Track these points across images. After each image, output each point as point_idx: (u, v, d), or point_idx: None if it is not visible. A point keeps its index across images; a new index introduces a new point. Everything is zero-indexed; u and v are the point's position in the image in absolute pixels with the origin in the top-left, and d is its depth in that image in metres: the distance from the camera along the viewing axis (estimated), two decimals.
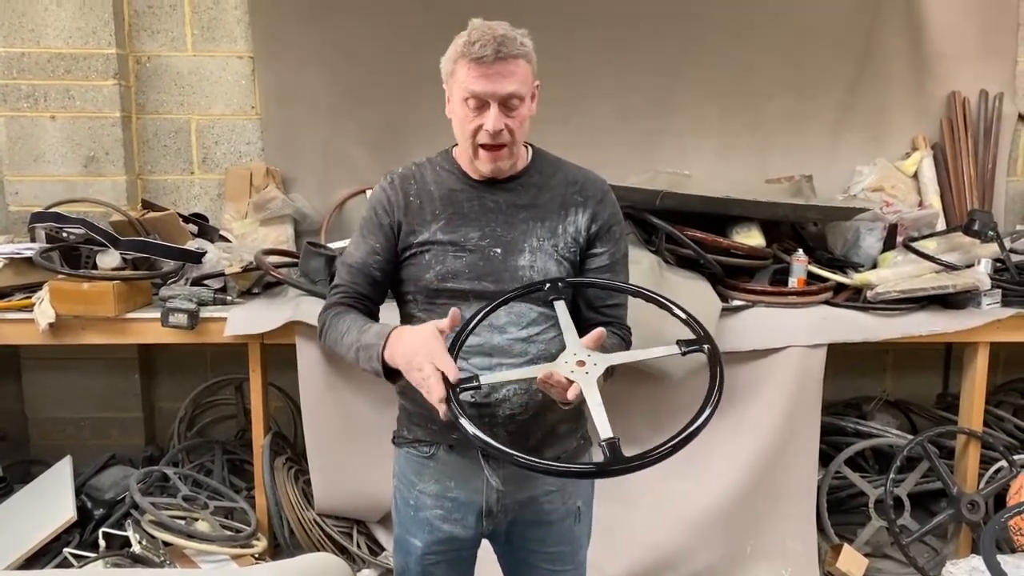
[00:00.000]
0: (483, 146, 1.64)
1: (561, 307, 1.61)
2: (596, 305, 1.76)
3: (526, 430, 1.69)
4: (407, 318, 1.78)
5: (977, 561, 2.26)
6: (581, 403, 1.46)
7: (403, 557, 1.85)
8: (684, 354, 1.51)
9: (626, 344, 1.77)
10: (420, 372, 1.47)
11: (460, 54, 1.60)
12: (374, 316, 1.78)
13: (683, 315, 1.59)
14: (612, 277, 1.75)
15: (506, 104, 1.60)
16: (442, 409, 1.43)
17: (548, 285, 1.64)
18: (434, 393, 1.44)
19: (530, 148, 1.78)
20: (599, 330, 1.51)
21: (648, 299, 1.64)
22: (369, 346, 1.59)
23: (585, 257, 1.74)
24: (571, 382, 1.43)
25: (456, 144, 1.74)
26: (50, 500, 3.10)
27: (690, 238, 3.02)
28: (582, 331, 1.57)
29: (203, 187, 3.83)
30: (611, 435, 1.35)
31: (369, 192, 3.63)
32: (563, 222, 1.71)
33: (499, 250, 1.69)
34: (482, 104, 1.60)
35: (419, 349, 1.48)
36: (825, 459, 3.26)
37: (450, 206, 1.71)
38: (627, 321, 1.81)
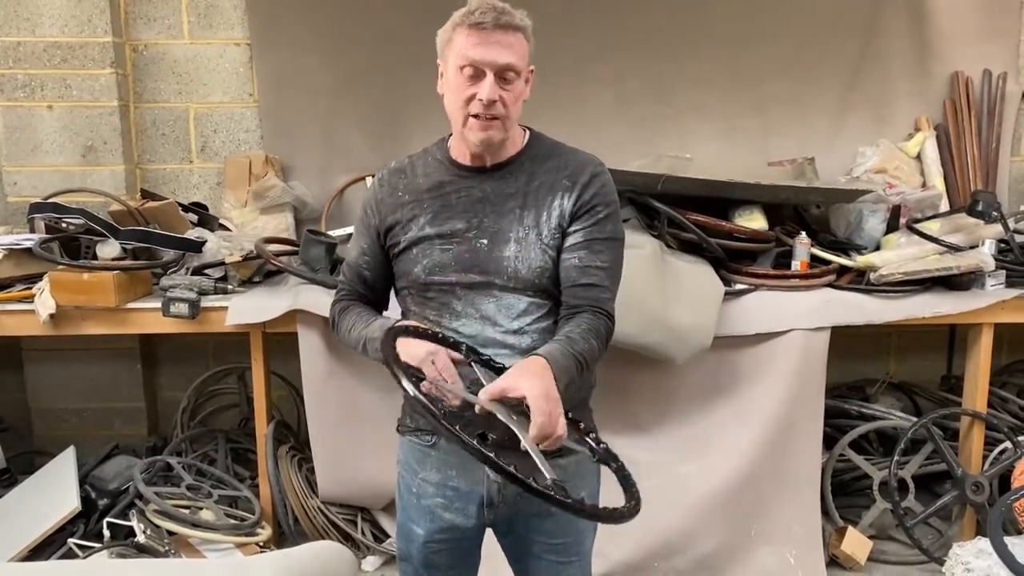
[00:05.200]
0: (475, 116, 1.60)
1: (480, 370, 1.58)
2: (567, 285, 1.67)
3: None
4: (404, 312, 1.77)
5: (984, 543, 2.26)
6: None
7: (405, 544, 1.84)
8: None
9: (592, 335, 1.60)
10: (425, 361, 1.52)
11: (459, 22, 1.59)
12: (379, 308, 1.83)
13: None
14: (587, 257, 1.64)
15: (502, 76, 1.58)
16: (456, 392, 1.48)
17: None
18: (439, 363, 1.52)
19: (528, 132, 1.75)
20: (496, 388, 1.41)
21: None
22: (374, 339, 1.62)
23: (564, 238, 1.66)
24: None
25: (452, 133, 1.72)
26: (54, 491, 3.10)
27: (692, 222, 3.00)
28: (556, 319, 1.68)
29: (202, 176, 3.81)
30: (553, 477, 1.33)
31: (368, 179, 3.65)
32: (548, 209, 1.66)
33: (485, 241, 1.66)
34: (478, 73, 1.58)
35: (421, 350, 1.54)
36: (829, 442, 3.25)
37: (438, 199, 1.69)
38: (611, 307, 1.68)
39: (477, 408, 1.41)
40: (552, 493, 1.29)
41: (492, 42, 1.56)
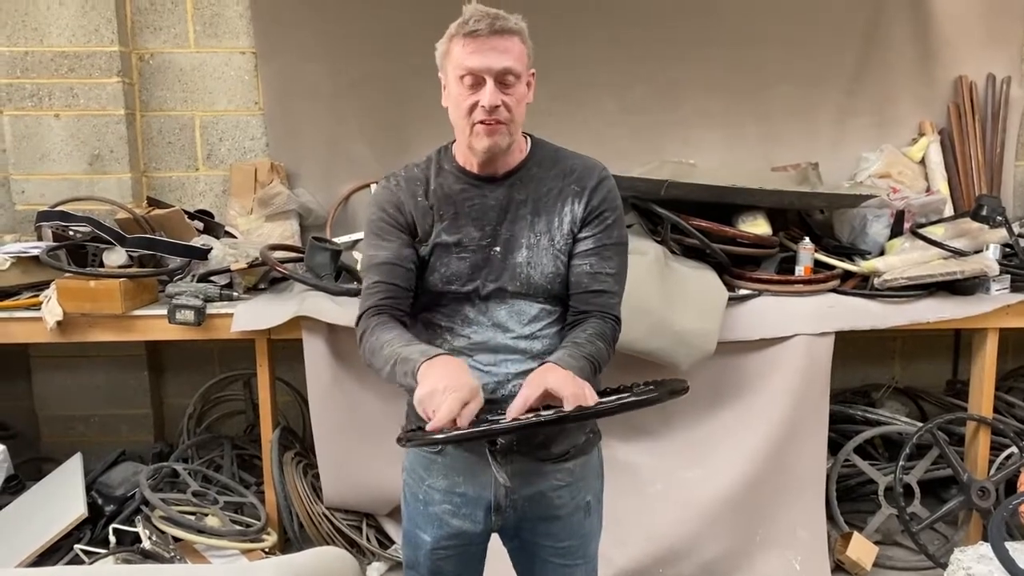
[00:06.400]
0: (480, 123, 1.60)
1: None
2: (577, 291, 1.69)
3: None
4: (413, 321, 1.75)
5: (985, 548, 2.24)
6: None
7: (412, 551, 1.84)
8: None
9: (599, 337, 1.64)
10: (441, 395, 1.38)
11: (454, 33, 1.60)
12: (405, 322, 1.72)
13: None
14: (598, 263, 1.68)
15: (502, 81, 1.59)
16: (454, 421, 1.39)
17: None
18: (441, 416, 1.36)
19: (529, 139, 1.75)
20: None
21: None
22: (408, 360, 1.50)
23: (574, 243, 1.69)
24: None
25: (454, 140, 1.72)
26: (61, 497, 3.11)
27: (696, 228, 3.01)
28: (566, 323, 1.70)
29: (208, 183, 3.83)
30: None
31: (373, 186, 3.66)
32: (559, 214, 1.68)
33: (499, 248, 1.67)
34: (478, 81, 1.58)
35: (454, 378, 1.42)
36: (834, 447, 3.25)
37: (452, 206, 1.69)
38: (619, 310, 1.72)
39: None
40: (614, 401, 1.41)
41: (488, 48, 1.57)
